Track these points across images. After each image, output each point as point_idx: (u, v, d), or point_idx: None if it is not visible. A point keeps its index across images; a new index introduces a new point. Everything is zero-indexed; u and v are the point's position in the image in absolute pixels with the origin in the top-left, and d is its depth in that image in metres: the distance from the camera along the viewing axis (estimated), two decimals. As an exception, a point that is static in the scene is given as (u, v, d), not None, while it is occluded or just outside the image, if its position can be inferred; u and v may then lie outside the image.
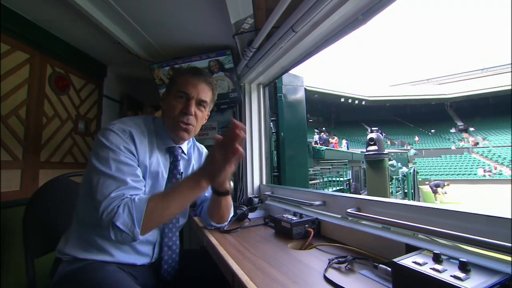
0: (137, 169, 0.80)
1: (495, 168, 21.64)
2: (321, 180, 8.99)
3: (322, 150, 10.80)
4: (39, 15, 1.49)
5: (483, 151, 25.10)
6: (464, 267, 0.49)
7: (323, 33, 1.16)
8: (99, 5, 1.32)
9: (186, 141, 1.01)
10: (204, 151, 1.12)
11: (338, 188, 9.78)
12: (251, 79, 1.75)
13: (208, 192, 1.12)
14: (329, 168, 10.76)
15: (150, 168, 0.85)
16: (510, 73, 29.81)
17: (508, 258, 0.52)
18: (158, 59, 1.91)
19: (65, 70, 1.87)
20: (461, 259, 0.50)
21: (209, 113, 1.00)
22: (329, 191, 8.75)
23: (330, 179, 9.68)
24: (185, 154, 1.00)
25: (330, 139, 17.16)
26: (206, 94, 0.92)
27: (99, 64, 2.19)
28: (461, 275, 0.47)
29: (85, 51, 1.96)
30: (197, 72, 0.92)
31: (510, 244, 0.49)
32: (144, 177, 0.83)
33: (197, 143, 1.12)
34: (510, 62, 32.49)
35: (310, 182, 8.25)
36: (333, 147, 15.81)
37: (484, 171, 21.47)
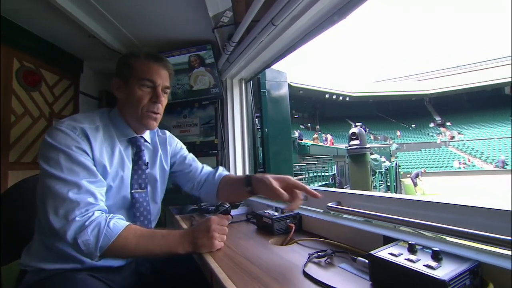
0: (93, 169, 0.74)
1: (469, 160, 22.82)
2: (307, 176, 9.11)
3: (308, 145, 10.94)
4: (1, 5, 1.39)
5: (458, 145, 26.37)
6: (437, 256, 0.50)
7: (303, 27, 1.15)
8: (69, -5, 1.25)
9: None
10: (167, 134, 1.06)
11: (323, 183, 9.95)
12: (232, 74, 1.72)
13: (203, 171, 1.08)
14: (315, 164, 10.92)
15: (110, 164, 0.80)
16: (481, 70, 31.52)
17: (477, 245, 0.54)
18: (137, 54, 1.84)
19: (36, 64, 1.76)
20: (433, 249, 0.51)
21: None
22: (315, 186, 8.92)
23: (315, 174, 9.82)
24: (149, 143, 0.96)
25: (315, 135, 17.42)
26: (168, 80, 0.89)
27: (74, 59, 2.08)
28: (433, 264, 0.48)
29: (58, 44, 1.86)
30: (158, 57, 0.87)
31: (478, 232, 0.51)
32: (104, 175, 0.78)
33: (157, 128, 1.05)
34: (481, 60, 34.38)
35: (296, 177, 8.33)
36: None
37: (459, 163, 22.58)
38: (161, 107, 0.87)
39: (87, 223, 0.66)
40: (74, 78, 2.11)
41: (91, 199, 0.70)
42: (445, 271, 0.46)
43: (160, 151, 0.99)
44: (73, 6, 1.32)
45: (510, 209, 0.52)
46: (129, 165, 0.86)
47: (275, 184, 0.79)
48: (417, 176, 13.65)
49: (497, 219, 0.54)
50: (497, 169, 20.14)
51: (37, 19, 1.51)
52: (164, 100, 0.89)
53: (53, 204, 0.67)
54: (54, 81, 1.92)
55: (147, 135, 0.96)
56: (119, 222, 0.71)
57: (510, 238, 0.47)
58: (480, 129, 28.45)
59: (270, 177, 0.83)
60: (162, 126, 1.11)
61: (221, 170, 1.08)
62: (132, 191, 0.85)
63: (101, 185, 0.75)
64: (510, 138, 21.24)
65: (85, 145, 0.75)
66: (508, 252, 0.50)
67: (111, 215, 0.72)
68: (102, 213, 0.71)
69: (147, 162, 0.92)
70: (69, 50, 1.97)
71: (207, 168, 1.10)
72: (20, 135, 1.64)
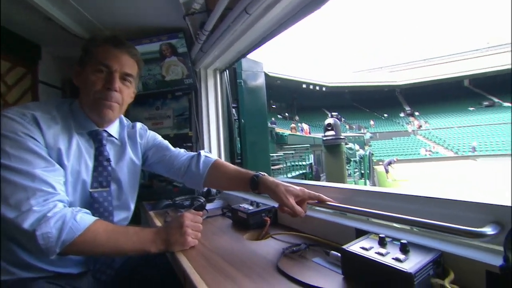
0: (47, 157, 0.67)
1: (434, 148, 24.58)
2: (285, 165, 9.25)
3: (285, 135, 11.06)
4: None
5: (425, 133, 28.21)
6: (404, 248, 0.51)
7: (278, 16, 1.12)
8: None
9: (115, 124, 0.89)
10: (138, 127, 0.99)
11: (301, 172, 10.18)
12: (206, 64, 1.65)
13: (184, 157, 1.01)
14: (292, 153, 11.10)
15: (67, 157, 0.73)
16: (445, 63, 33.69)
17: (439, 236, 0.57)
18: (102, 40, 1.70)
19: (-19, 50, 1.57)
20: (401, 241, 0.53)
21: (135, 90, 0.89)
22: (293, 175, 9.10)
23: (293, 163, 10.00)
24: (115, 138, 0.89)
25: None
26: (131, 67, 0.82)
27: (30, 44, 1.88)
28: (401, 256, 0.49)
29: (9, 27, 1.66)
30: (119, 42, 0.79)
31: (440, 223, 0.53)
32: (61, 167, 0.71)
33: (129, 122, 0.99)
34: (445, 54, 36.62)
35: (274, 167, 8.44)
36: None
37: (426, 150, 24.22)
38: (117, 95, 0.79)
39: (49, 214, 0.60)
40: (30, 65, 1.91)
41: (48, 189, 0.63)
42: (411, 263, 0.47)
43: (128, 147, 0.92)
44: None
45: (468, 200, 0.55)
46: (88, 162, 0.79)
47: (292, 201, 0.75)
48: (389, 163, 14.52)
49: (458, 209, 0.57)
50: (456, 155, 21.97)
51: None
52: (124, 88, 0.81)
53: (1, 194, 0.59)
54: (5, 69, 1.73)
55: (114, 129, 0.89)
56: (87, 216, 0.66)
57: (469, 228, 0.49)
58: (443, 119, 30.71)
59: (283, 188, 0.76)
60: (134, 119, 1.05)
61: (205, 155, 1.00)
62: (91, 190, 0.78)
63: (59, 174, 0.69)
64: (510, 124, 22.02)
65: (36, 133, 0.67)
66: (467, 241, 0.53)
67: (78, 208, 0.67)
68: (65, 205, 0.65)
69: (109, 158, 0.84)
70: (23, 34, 1.77)
71: (187, 153, 1.03)
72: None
